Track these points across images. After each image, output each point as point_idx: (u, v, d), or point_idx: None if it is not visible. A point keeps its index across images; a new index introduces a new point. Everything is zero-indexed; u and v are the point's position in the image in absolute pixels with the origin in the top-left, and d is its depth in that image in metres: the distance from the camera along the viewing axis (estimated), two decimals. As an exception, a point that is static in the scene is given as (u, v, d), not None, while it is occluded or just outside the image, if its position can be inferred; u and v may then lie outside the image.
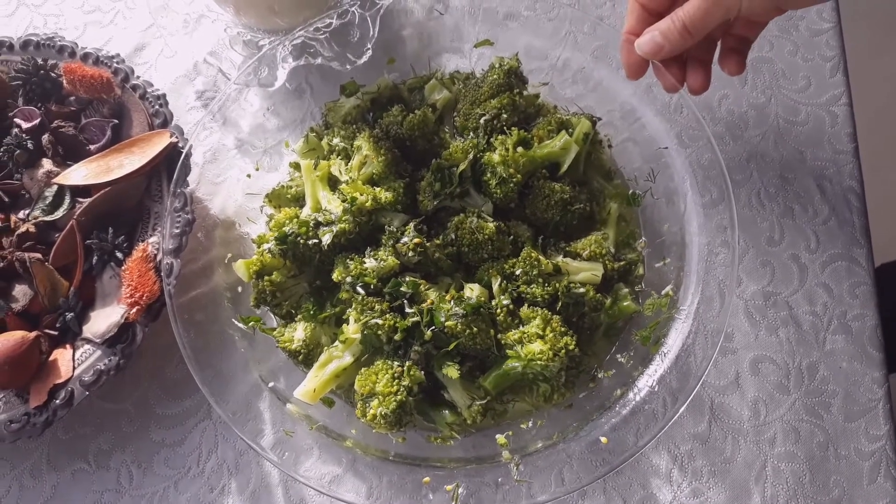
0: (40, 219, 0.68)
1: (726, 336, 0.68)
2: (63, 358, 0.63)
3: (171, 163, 0.68)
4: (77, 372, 0.63)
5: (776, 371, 0.67)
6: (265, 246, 0.65)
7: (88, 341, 0.64)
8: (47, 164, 0.70)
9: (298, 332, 0.64)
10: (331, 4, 0.71)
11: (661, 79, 0.64)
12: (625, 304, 0.64)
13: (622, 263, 0.66)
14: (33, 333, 0.63)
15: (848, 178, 0.74)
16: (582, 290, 0.63)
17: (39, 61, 0.73)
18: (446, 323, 0.60)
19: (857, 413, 0.65)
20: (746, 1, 0.56)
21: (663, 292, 0.64)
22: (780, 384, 0.66)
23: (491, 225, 0.64)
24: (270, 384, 0.63)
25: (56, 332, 0.65)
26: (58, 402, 0.61)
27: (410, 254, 0.63)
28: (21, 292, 0.66)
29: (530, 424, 0.62)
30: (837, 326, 0.68)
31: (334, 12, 0.70)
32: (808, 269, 0.70)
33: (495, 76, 0.70)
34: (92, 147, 0.71)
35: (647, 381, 0.60)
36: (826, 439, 0.65)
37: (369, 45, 0.72)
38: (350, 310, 0.62)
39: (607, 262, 0.65)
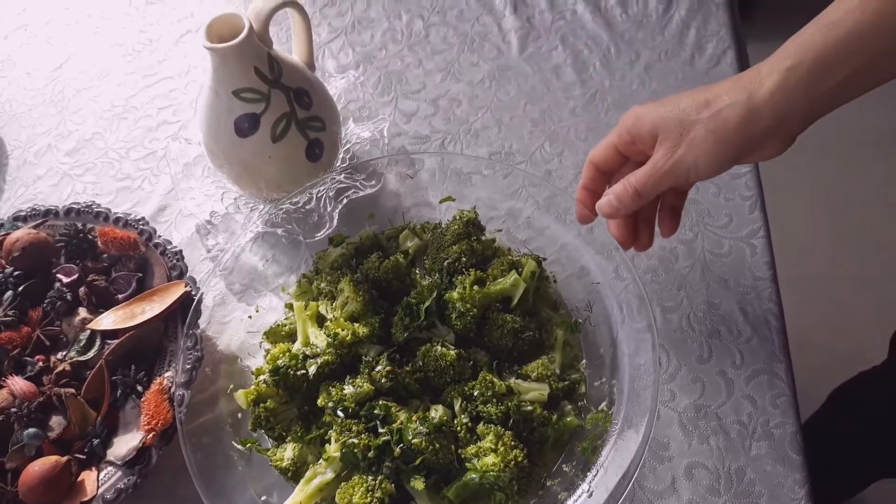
0: (75, 359, 0.80)
1: (663, 445, 0.77)
2: (89, 479, 0.74)
3: (185, 308, 0.81)
4: (100, 491, 0.73)
5: (708, 475, 0.76)
6: (261, 377, 0.76)
7: (111, 463, 0.75)
8: (82, 313, 0.83)
9: (288, 452, 0.74)
10: (307, 186, 0.85)
11: (616, 237, 0.77)
12: (568, 419, 0.74)
13: (566, 383, 0.76)
14: (65, 458, 0.74)
15: (767, 301, 0.85)
16: (530, 407, 0.73)
17: (79, 226, 0.88)
18: (413, 440, 0.70)
19: (782, 512, 0.73)
20: (693, 177, 0.67)
21: (600, 407, 0.74)
22: (711, 487, 0.75)
23: (452, 352, 0.75)
24: (263, 498, 0.73)
25: (84, 457, 0.76)
26: (83, 518, 0.72)
27: (383, 380, 0.74)
28: (56, 422, 0.77)
29: (488, 528, 0.71)
30: (761, 434, 0.77)
31: (306, 196, 0.85)
32: (734, 383, 0.80)
33: (456, 226, 0.84)
34: (120, 297, 0.84)
35: (585, 486, 0.69)
36: (755, 537, 0.73)
37: (325, 231, 0.87)
38: (332, 431, 0.73)
39: (553, 382, 0.75)
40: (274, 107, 0.84)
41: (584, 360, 0.79)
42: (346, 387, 0.74)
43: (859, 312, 1.92)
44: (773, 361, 0.81)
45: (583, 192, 0.77)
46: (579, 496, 0.68)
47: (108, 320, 0.81)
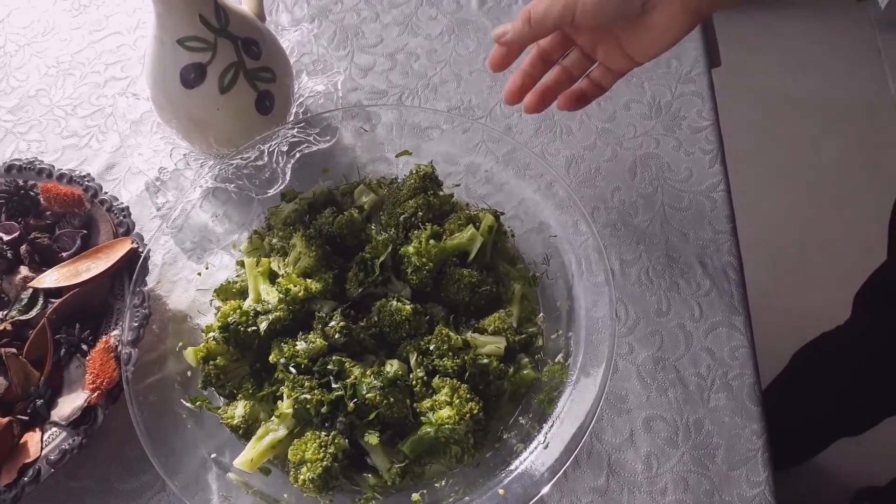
0: (16, 318, 0.77)
1: (621, 398, 0.77)
2: (32, 440, 0.72)
3: (132, 265, 0.78)
4: (44, 452, 0.71)
5: (666, 428, 0.75)
6: (211, 334, 0.74)
7: (55, 424, 0.73)
8: (24, 271, 0.80)
9: (239, 410, 0.72)
10: (258, 140, 0.83)
11: (508, 86, 0.75)
12: (525, 372, 0.73)
13: (523, 336, 0.75)
14: (7, 419, 0.71)
15: (727, 254, 0.84)
16: (487, 360, 0.72)
17: (20, 182, 0.85)
18: (367, 395, 0.68)
19: (739, 462, 0.73)
20: (580, 6, 0.65)
21: (556, 359, 0.73)
22: (669, 439, 0.75)
23: (408, 307, 0.73)
24: (213, 456, 0.71)
25: (27, 418, 0.73)
26: (26, 479, 0.69)
27: (337, 336, 0.73)
28: (-3, 384, 0.75)
29: (443, 483, 0.70)
30: (720, 386, 0.77)
31: (257, 150, 0.83)
32: (693, 335, 0.80)
33: (412, 181, 0.82)
34: (64, 254, 0.81)
35: (541, 438, 0.68)
36: (711, 487, 0.72)
37: (278, 187, 0.85)
38: (284, 387, 0.71)
39: (510, 335, 0.74)
40: (221, 56, 0.81)
41: (541, 314, 0.78)
42: (298, 343, 0.72)
43: (820, 275, 1.95)
44: (731, 314, 0.81)
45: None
46: (535, 448, 0.68)
47: (52, 278, 0.79)
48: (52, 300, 0.78)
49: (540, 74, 0.76)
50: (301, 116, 0.93)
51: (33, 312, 0.78)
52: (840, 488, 1.75)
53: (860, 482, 1.72)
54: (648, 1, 0.63)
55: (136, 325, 0.73)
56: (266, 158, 0.85)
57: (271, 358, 0.72)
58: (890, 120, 2.29)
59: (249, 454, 0.69)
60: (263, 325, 0.73)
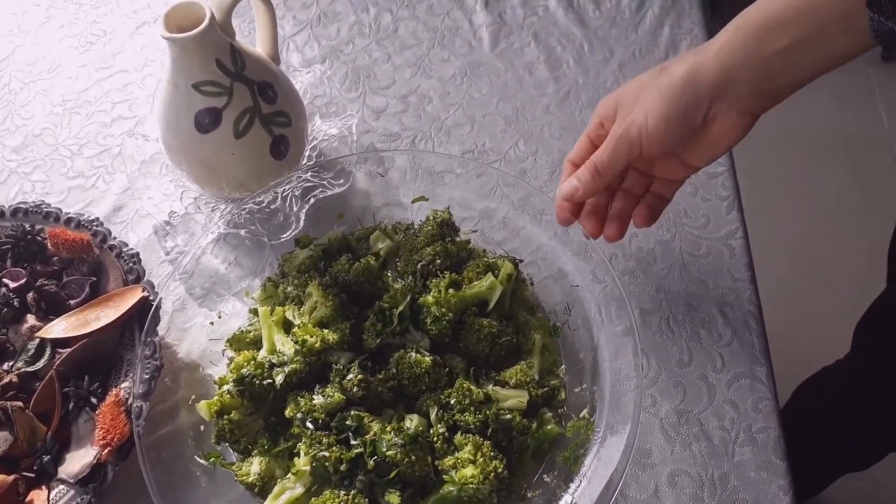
0: (23, 370, 0.75)
1: (645, 452, 0.75)
2: (39, 498, 0.69)
3: (142, 314, 0.76)
4: (51, 512, 0.68)
5: (691, 483, 0.74)
6: (225, 387, 0.72)
7: (63, 482, 0.70)
8: (31, 320, 0.78)
9: (254, 466, 0.70)
10: (272, 185, 0.81)
11: (583, 225, 0.74)
12: (549, 427, 0.71)
13: (545, 390, 0.74)
14: (11, 476, 0.69)
15: (747, 303, 0.83)
16: (509, 415, 0.70)
17: (27, 227, 0.82)
18: (387, 453, 0.66)
19: (766, 519, 0.72)
20: (646, 140, 0.65)
21: (581, 415, 0.72)
22: (695, 495, 0.73)
23: (428, 359, 0.72)
24: (229, 516, 0.69)
25: (33, 475, 0.70)
26: (32, 541, 0.67)
27: (355, 389, 0.71)
28: (2, 438, 0.72)
29: (467, 543, 0.68)
30: (744, 439, 0.75)
31: (271, 195, 0.82)
32: (716, 387, 0.78)
33: (430, 227, 0.80)
34: (72, 302, 0.79)
35: (568, 498, 0.66)
36: (740, 545, 0.71)
37: (292, 232, 0.83)
38: (301, 444, 0.69)
39: (532, 388, 0.73)
40: (237, 101, 0.80)
41: (563, 366, 0.76)
42: (315, 396, 0.70)
43: (818, 308, 1.95)
44: (753, 365, 0.79)
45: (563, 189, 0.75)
46: (562, 509, 0.66)
47: (60, 327, 0.76)
48: (60, 350, 0.76)
49: (604, 201, 0.75)
50: (315, 160, 0.91)
51: (40, 364, 0.75)
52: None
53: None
54: (708, 115, 0.64)
55: (147, 376, 0.71)
56: (279, 203, 0.83)
57: (287, 412, 0.70)
58: (884, 154, 2.31)
59: (266, 513, 0.67)
60: (279, 378, 0.71)
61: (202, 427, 0.73)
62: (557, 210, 0.75)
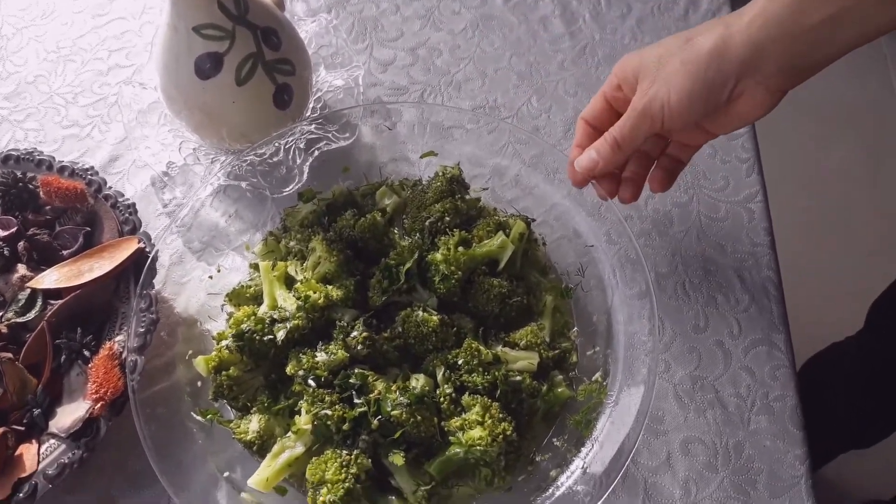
0: (13, 320, 0.72)
1: (657, 419, 0.73)
2: (28, 453, 0.66)
3: (138, 266, 0.73)
4: (41, 466, 0.66)
5: (705, 451, 0.71)
6: (223, 342, 0.69)
7: (54, 436, 0.68)
8: (22, 269, 0.74)
9: (253, 424, 0.67)
10: (274, 136, 0.78)
11: (596, 189, 0.71)
12: (559, 390, 0.69)
13: (557, 352, 0.71)
14: (0, 430, 0.66)
15: (766, 268, 0.81)
16: (519, 377, 0.68)
17: (18, 174, 0.79)
18: (392, 412, 0.64)
19: (781, 489, 0.69)
20: (668, 115, 0.62)
21: (593, 378, 0.69)
22: (708, 463, 0.71)
23: (435, 318, 0.69)
24: (226, 474, 0.66)
25: (23, 428, 0.68)
26: (21, 495, 0.64)
27: (359, 347, 0.68)
28: (-9, 391, 0.69)
29: (472, 507, 0.65)
30: (760, 407, 0.73)
31: (273, 147, 0.78)
32: (732, 354, 0.76)
33: (439, 183, 0.77)
34: (65, 253, 0.76)
35: (579, 462, 0.64)
36: (753, 516, 0.69)
37: (294, 186, 0.80)
38: (302, 402, 0.66)
39: (542, 350, 0.70)
40: (239, 46, 0.76)
41: (575, 328, 0.74)
42: (318, 354, 0.67)
43: (830, 283, 1.92)
44: (771, 331, 0.77)
45: (576, 152, 0.71)
46: (573, 472, 0.63)
47: (52, 278, 0.73)
48: (52, 302, 0.73)
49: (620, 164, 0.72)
50: (319, 112, 0.88)
51: (31, 315, 0.72)
52: (842, 501, 1.72)
53: (863, 496, 1.70)
54: (734, 92, 0.60)
55: (142, 330, 0.68)
56: (282, 155, 0.80)
57: (289, 369, 0.68)
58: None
59: (264, 473, 0.64)
60: (281, 334, 0.68)
61: (199, 383, 0.70)
62: (570, 172, 0.71)
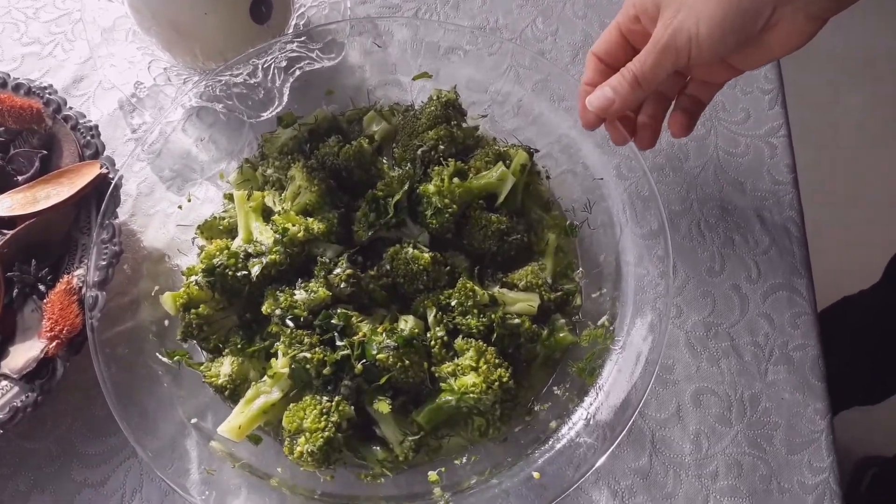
0: (-39, 251, 0.65)
1: (667, 368, 0.67)
2: (-23, 396, 0.61)
3: (100, 194, 0.67)
4: (-8, 410, 0.60)
5: (718, 403, 0.66)
6: (193, 278, 0.63)
7: (6, 377, 0.62)
8: (-29, 195, 0.68)
9: (225, 367, 0.62)
10: (251, 53, 0.71)
11: (610, 132, 0.64)
12: (561, 335, 0.63)
13: (559, 294, 0.65)
14: (-53, 370, 0.60)
15: (787, 208, 0.74)
16: (517, 320, 0.62)
17: (-32, 92, 0.72)
18: (377, 356, 0.58)
19: (800, 445, 0.64)
20: (695, 49, 0.55)
21: (599, 323, 0.63)
22: (722, 416, 0.65)
23: (427, 255, 0.63)
24: (194, 421, 0.61)
25: (-29, 369, 0.62)
26: (-31, 441, 0.59)
27: (343, 285, 0.62)
28: (-62, 328, 0.63)
29: (464, 460, 0.60)
30: (779, 357, 0.68)
31: (250, 66, 0.71)
32: (749, 299, 0.70)
33: (433, 108, 0.70)
34: (19, 178, 0.69)
35: (582, 413, 0.58)
36: (769, 472, 0.63)
37: (273, 109, 0.73)
38: (279, 343, 0.61)
39: (544, 292, 0.64)
40: (211, -52, 0.68)
41: (579, 269, 0.68)
42: (297, 292, 0.62)
43: (846, 234, 1.86)
44: (793, 276, 0.71)
45: (586, 90, 0.63)
46: (575, 423, 0.58)
47: (4, 205, 0.67)
48: (4, 231, 0.66)
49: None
50: (302, 28, 0.80)
51: (-19, 245, 0.66)
52: (841, 456, 1.70)
53: (863, 452, 1.67)
54: (770, 21, 0.54)
55: (104, 263, 0.62)
56: (260, 76, 0.73)
57: (264, 308, 0.62)
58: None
59: (236, 420, 0.59)
60: (256, 270, 0.62)
61: (166, 322, 0.65)
62: (581, 111, 0.64)
